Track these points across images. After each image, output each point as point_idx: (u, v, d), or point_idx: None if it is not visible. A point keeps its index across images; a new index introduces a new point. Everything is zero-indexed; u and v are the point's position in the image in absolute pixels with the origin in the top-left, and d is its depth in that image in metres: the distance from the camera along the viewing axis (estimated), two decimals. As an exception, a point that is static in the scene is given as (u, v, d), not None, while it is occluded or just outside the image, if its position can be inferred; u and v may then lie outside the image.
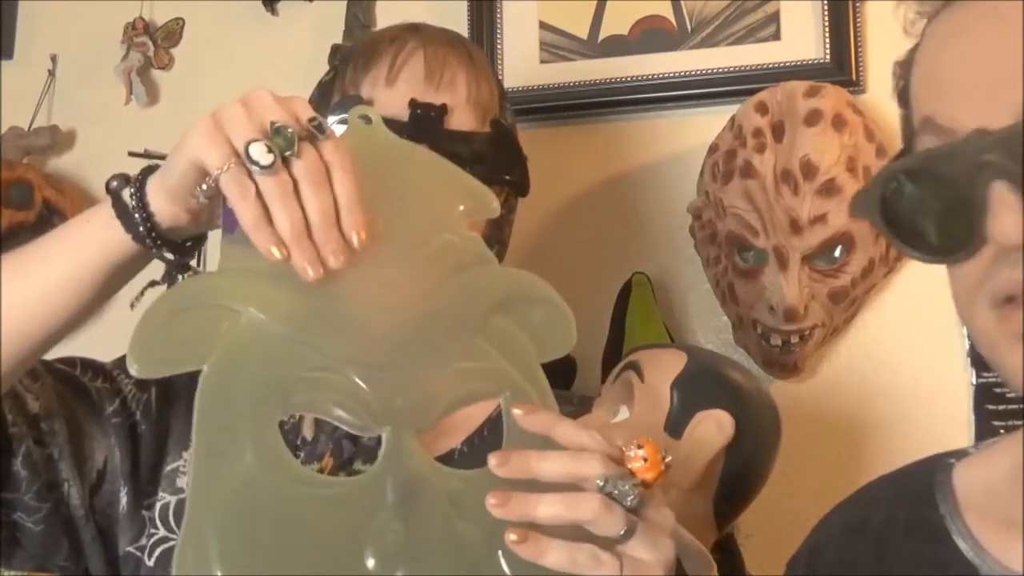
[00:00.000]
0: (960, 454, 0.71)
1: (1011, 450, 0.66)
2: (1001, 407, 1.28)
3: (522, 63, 1.50)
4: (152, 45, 1.66)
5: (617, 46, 1.48)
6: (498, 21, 1.51)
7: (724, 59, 1.44)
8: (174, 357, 0.64)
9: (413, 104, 0.89)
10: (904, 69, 0.64)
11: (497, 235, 0.96)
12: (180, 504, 0.90)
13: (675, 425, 0.98)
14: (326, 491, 0.65)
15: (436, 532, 0.64)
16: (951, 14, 0.59)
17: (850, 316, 1.35)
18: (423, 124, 0.87)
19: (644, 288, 1.38)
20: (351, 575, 0.62)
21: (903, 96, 0.64)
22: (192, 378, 0.65)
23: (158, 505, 0.90)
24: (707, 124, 1.41)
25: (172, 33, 1.68)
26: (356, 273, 0.68)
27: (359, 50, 0.98)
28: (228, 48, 1.66)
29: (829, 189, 1.26)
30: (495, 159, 0.93)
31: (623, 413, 1.00)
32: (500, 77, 1.49)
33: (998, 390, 1.27)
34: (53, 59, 1.70)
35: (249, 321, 0.65)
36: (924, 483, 0.69)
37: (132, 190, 0.74)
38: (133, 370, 0.64)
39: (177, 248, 0.76)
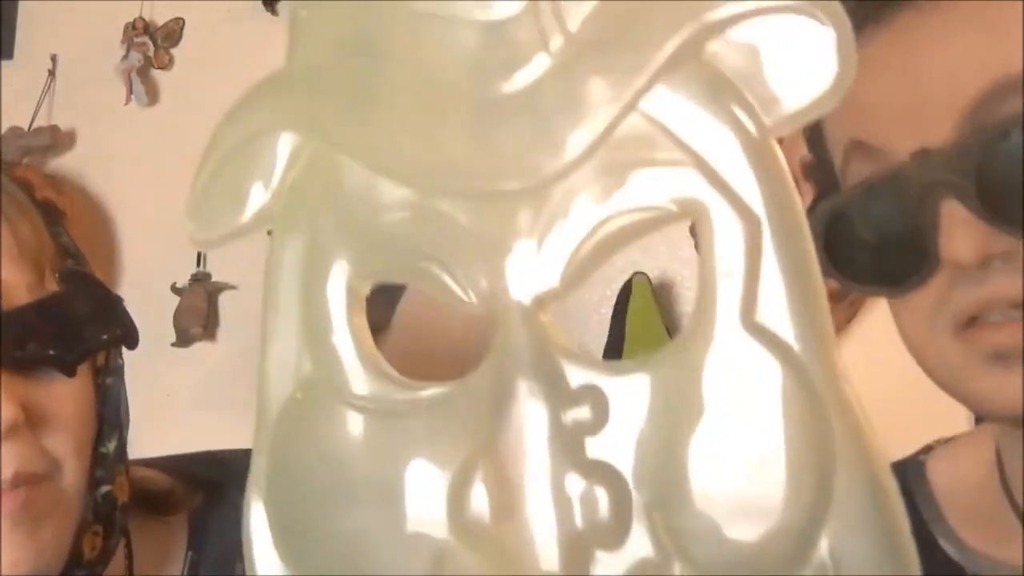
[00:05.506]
0: (925, 450, 0.70)
1: (984, 443, 0.65)
2: (1001, 407, 1.27)
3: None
4: (152, 45, 1.66)
5: (617, 46, 1.48)
6: (498, 21, 1.51)
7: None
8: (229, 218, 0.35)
9: None
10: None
11: (111, 429, 0.61)
12: None
13: None
14: (419, 395, 0.35)
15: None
16: (862, 40, 0.57)
17: (850, 316, 1.35)
18: None
19: (644, 288, 1.38)
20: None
21: (814, 136, 0.60)
22: None
23: None
24: (707, 124, 1.41)
25: (172, 33, 1.68)
26: None
27: None
28: (228, 48, 1.66)
29: (829, 189, 1.26)
30: (87, 318, 0.63)
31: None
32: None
33: (998, 390, 1.27)
34: (53, 59, 1.70)
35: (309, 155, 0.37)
36: (899, 488, 0.69)
37: None
38: (193, 234, 0.37)
39: None
